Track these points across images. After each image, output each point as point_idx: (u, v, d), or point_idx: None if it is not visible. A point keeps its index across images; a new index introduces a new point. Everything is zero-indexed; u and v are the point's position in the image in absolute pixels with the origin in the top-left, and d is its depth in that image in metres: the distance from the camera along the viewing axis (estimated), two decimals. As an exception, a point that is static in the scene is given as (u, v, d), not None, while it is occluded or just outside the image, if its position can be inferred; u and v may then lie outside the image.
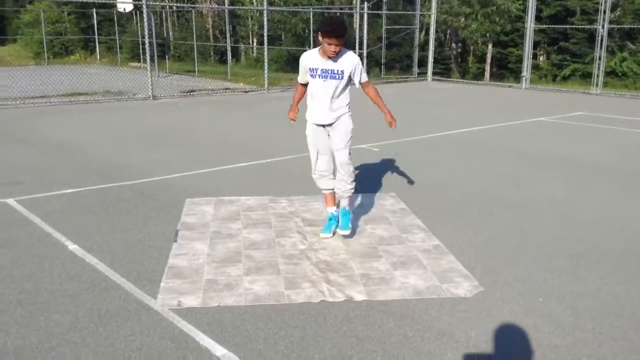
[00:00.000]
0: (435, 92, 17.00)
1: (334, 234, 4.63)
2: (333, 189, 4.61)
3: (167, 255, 4.21)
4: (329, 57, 4.24)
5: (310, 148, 4.57)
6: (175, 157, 7.50)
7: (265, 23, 15.11)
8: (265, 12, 15.09)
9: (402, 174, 6.67)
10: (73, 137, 8.84)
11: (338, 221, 4.60)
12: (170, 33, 30.92)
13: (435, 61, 20.91)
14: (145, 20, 13.43)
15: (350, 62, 4.31)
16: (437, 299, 3.57)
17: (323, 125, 4.46)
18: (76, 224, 4.87)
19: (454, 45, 24.50)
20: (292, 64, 25.38)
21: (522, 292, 3.69)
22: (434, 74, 20.12)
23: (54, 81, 14.30)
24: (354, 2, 19.20)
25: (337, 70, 4.29)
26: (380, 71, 21.19)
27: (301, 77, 4.50)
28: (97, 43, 30.24)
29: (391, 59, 22.16)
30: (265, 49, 15.56)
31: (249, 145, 8.33)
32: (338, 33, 4.13)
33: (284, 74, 22.75)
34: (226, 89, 16.67)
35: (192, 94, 15.08)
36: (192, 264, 4.06)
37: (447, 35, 24.49)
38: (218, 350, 2.98)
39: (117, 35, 28.46)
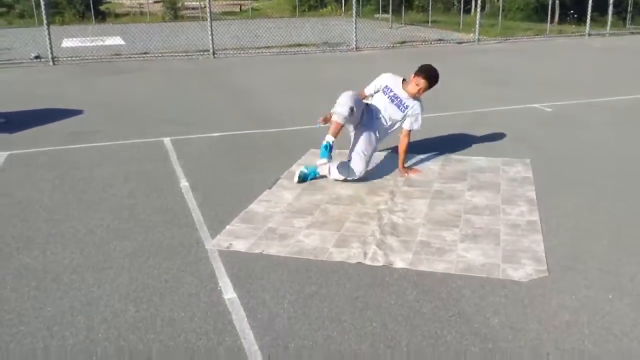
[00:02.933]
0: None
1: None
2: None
3: (253, 200, 4.44)
4: (410, 94, 4.79)
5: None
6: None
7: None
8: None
9: (556, 138, 5.95)
10: (258, 85, 9.54)
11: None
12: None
13: None
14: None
15: (415, 108, 4.84)
16: (483, 279, 3.22)
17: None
18: (201, 163, 5.36)
19: None
20: (539, 14, 23.68)
21: (594, 285, 3.13)
22: None
23: (284, 32, 15.39)
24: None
25: (402, 105, 4.83)
26: (626, 21, 18.55)
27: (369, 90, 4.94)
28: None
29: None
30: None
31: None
32: (432, 84, 4.78)
33: (523, 24, 21.34)
34: (439, 40, 16.23)
35: (402, 45, 15.00)
36: (268, 211, 4.23)
37: None
38: (229, 293, 3.12)
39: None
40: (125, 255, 3.58)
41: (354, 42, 13.73)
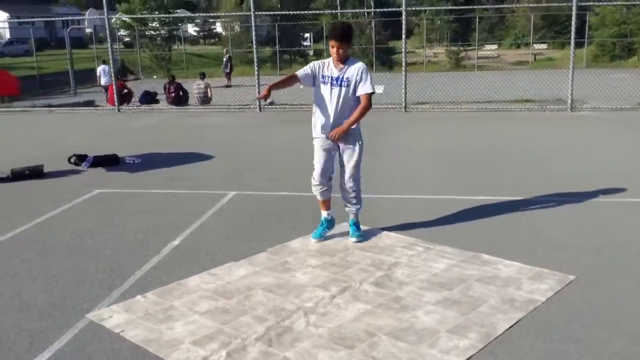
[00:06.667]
0: None
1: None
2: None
3: (205, 271, 4.18)
4: (337, 64, 4.40)
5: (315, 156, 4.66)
6: (456, 177, 6.79)
7: None
8: None
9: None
10: (405, 145, 8.99)
11: (327, 226, 4.74)
12: None
13: None
14: None
15: (356, 68, 4.39)
16: None
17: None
18: (224, 223, 5.27)
19: None
20: None
21: None
22: None
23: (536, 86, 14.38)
24: None
25: (344, 78, 4.39)
26: None
27: (302, 72, 4.53)
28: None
29: None
30: None
31: (565, 175, 6.74)
32: (334, 35, 4.34)
33: None
34: None
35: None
36: (197, 287, 3.93)
37: None
38: (27, 371, 2.98)
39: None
40: (16, 310, 3.67)
41: (569, 100, 11.98)
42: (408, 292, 3.75)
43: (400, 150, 8.49)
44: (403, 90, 12.44)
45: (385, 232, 4.90)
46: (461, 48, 38.92)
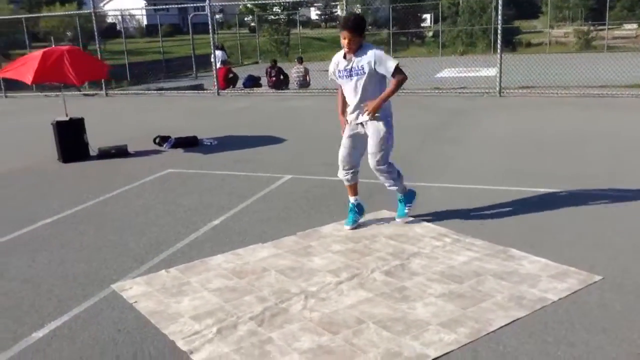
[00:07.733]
0: None
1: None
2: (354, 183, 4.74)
3: (231, 250, 4.37)
4: (348, 54, 4.38)
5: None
6: (523, 167, 6.50)
7: None
8: None
9: None
10: (488, 133, 8.66)
11: (357, 211, 4.76)
12: None
13: None
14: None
15: (369, 55, 4.33)
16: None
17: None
18: (269, 206, 5.43)
19: None
20: None
21: None
22: None
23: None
24: None
25: (358, 67, 4.38)
26: None
27: (337, 82, 4.61)
28: None
29: None
30: None
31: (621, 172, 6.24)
32: (344, 26, 4.32)
33: None
34: None
35: None
36: (218, 265, 4.12)
37: None
38: (41, 333, 3.31)
39: None
40: (56, 277, 4.07)
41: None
42: (415, 283, 3.70)
43: (478, 137, 8.20)
44: (498, 74, 11.92)
45: (420, 222, 4.82)
46: (592, 27, 36.25)
